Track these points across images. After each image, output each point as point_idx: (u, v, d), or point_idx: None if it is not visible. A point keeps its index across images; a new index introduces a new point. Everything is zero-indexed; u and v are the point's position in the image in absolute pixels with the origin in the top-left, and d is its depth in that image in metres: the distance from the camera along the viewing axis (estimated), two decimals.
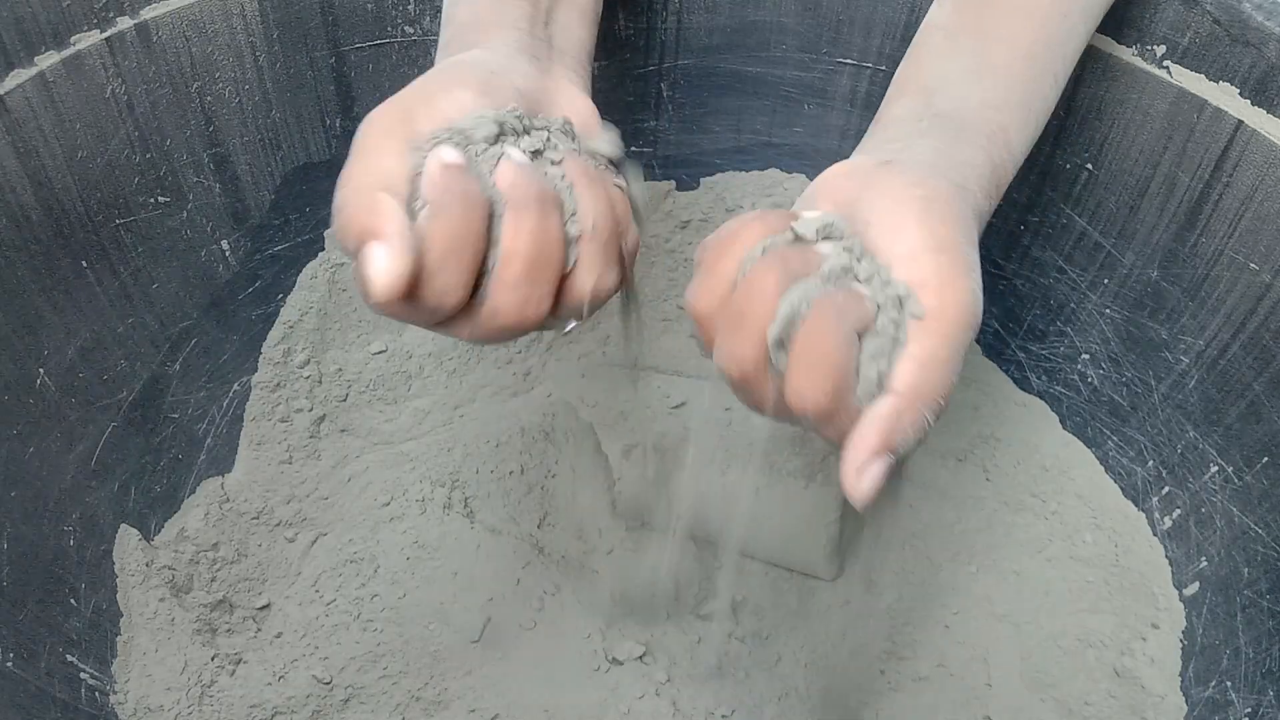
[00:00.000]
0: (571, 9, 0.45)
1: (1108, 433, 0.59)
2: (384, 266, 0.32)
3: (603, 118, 0.41)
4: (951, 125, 0.41)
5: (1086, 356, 0.59)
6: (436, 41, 0.58)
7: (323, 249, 0.61)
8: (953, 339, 0.35)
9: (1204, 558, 0.54)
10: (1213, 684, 0.51)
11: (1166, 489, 0.57)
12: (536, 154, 0.36)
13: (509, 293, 0.34)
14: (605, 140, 0.40)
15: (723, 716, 0.53)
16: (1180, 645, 0.54)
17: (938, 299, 0.34)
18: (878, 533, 0.59)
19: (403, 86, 0.59)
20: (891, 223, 0.36)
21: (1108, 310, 0.57)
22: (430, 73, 0.39)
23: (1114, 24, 0.51)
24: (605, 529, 0.58)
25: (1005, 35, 0.43)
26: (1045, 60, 0.44)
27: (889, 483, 0.35)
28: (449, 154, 0.34)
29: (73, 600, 0.49)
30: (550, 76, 0.41)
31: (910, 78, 0.44)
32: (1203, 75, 0.49)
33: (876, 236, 0.36)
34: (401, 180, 0.34)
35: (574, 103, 0.41)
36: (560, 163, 0.36)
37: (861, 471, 0.34)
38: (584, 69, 0.45)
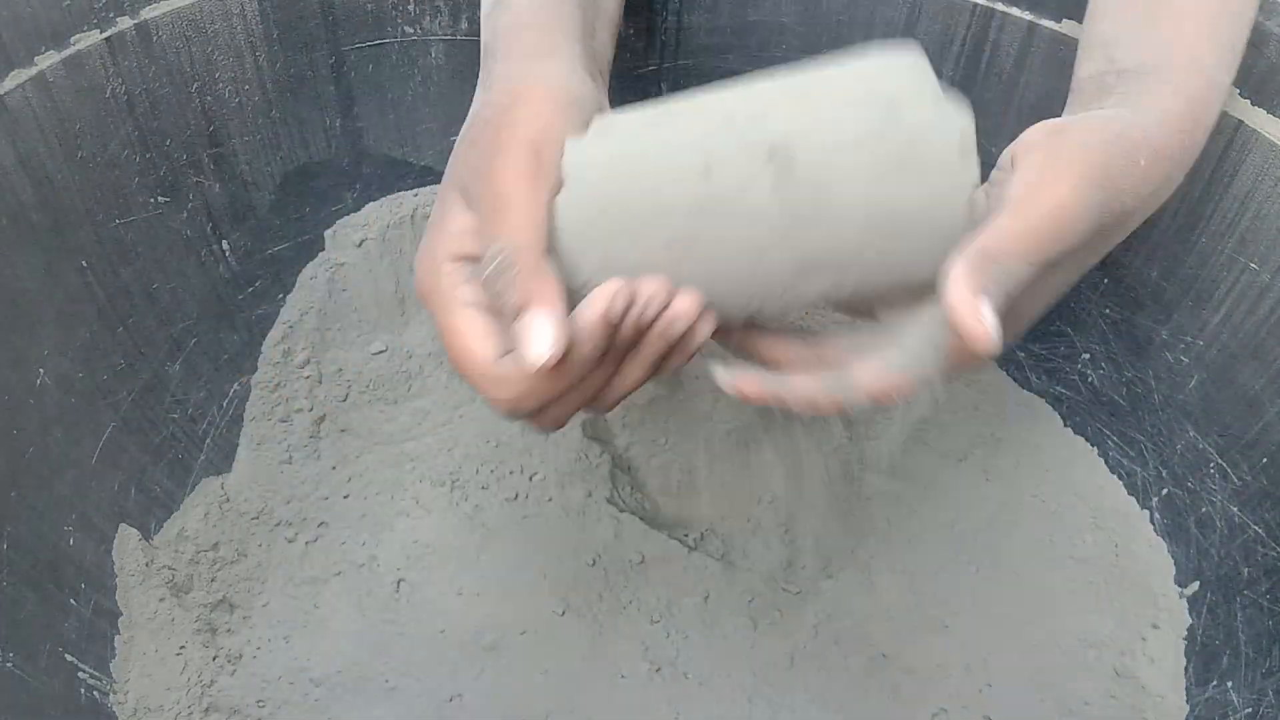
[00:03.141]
0: (605, 20, 0.46)
1: (1108, 433, 0.59)
2: (549, 336, 0.34)
3: None
4: (1133, 76, 0.41)
5: (1086, 356, 0.59)
6: (437, 41, 0.58)
7: (323, 249, 0.61)
8: (1027, 232, 0.35)
9: (1204, 558, 0.54)
10: (1213, 684, 0.51)
11: (1166, 489, 0.57)
12: None
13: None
14: None
15: None
16: (1180, 645, 0.54)
17: (1023, 193, 0.36)
18: (879, 531, 0.60)
19: (403, 86, 0.60)
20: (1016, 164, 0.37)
21: (1108, 310, 0.57)
22: (511, 96, 0.38)
23: None
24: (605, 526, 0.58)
25: None
26: None
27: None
28: (615, 306, 0.35)
29: (72, 600, 0.49)
30: (602, 96, 0.42)
31: (1091, 38, 0.45)
32: None
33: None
34: (540, 232, 0.36)
35: None
36: None
37: (974, 309, 0.34)
38: (607, 81, 0.46)
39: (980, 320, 0.34)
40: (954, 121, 0.36)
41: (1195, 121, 0.41)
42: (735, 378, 0.38)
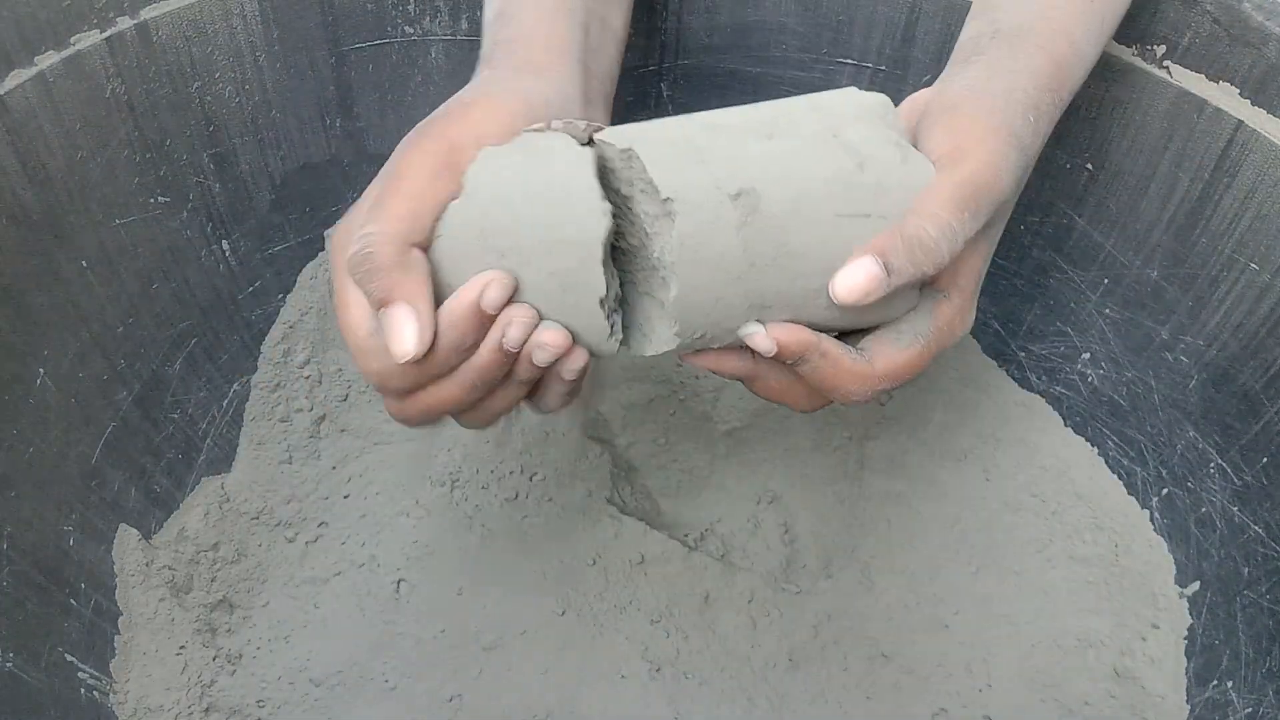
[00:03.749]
0: (611, 39, 0.46)
1: (1108, 433, 0.59)
2: (412, 333, 0.35)
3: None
4: (1007, 38, 0.43)
5: (1086, 356, 0.59)
6: (436, 41, 0.58)
7: (323, 249, 0.61)
8: (959, 187, 0.37)
9: (1204, 558, 0.54)
10: (1213, 684, 0.51)
11: (1166, 489, 0.57)
12: None
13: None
14: None
15: None
16: (1180, 645, 0.54)
17: (949, 154, 0.37)
18: (879, 531, 0.60)
19: (403, 86, 0.60)
20: (931, 135, 0.39)
21: (1108, 310, 0.57)
22: (479, 97, 0.39)
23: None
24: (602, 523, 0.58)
25: None
26: None
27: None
28: (488, 296, 0.36)
29: (72, 600, 0.49)
30: (596, 115, 0.42)
31: (978, 3, 0.46)
32: (1203, 75, 0.49)
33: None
34: (430, 223, 0.36)
35: None
36: None
37: (847, 267, 0.36)
38: (611, 101, 0.46)
39: (843, 275, 0.36)
40: (919, 175, 0.37)
41: (1060, 83, 0.43)
42: (771, 330, 0.37)
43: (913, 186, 0.37)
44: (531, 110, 0.38)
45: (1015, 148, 0.39)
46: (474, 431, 0.62)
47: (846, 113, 0.38)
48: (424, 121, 0.39)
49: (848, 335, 0.40)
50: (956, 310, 0.40)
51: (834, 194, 0.36)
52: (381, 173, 0.38)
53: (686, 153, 0.36)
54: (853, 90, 0.39)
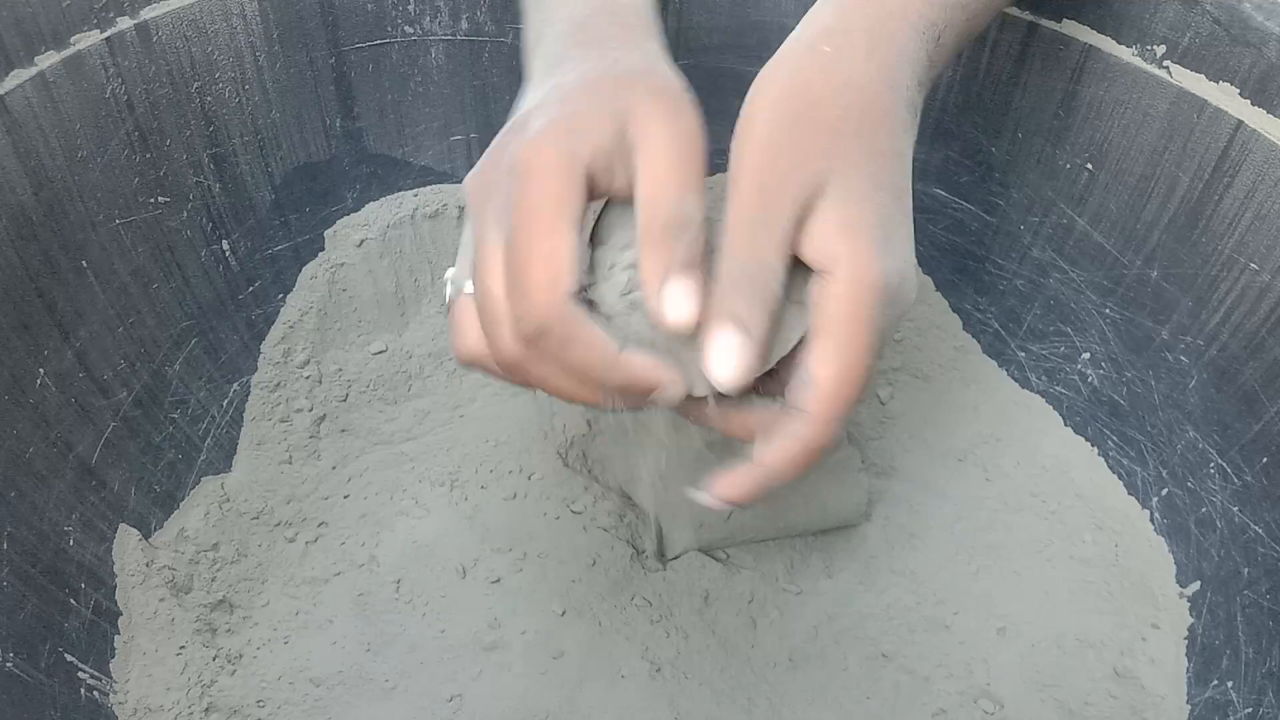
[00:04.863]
0: None
1: (1108, 433, 0.59)
2: (693, 305, 0.32)
3: None
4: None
5: (1086, 356, 0.59)
6: (436, 41, 0.58)
7: (323, 249, 0.61)
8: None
9: (1204, 558, 0.54)
10: (1213, 684, 0.51)
11: (1166, 489, 0.57)
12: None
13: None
14: None
15: None
16: (1180, 645, 0.54)
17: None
18: (879, 531, 0.60)
19: (403, 86, 0.60)
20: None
21: (1108, 310, 0.57)
22: (606, 87, 0.35)
23: (1114, 24, 0.51)
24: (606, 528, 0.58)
25: None
26: None
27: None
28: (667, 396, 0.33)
29: (72, 600, 0.49)
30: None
31: None
32: (1203, 75, 0.49)
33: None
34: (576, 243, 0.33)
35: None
36: None
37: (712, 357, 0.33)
38: None
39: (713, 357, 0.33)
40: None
41: (932, 72, 0.39)
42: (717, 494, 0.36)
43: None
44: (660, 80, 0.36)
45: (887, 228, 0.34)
46: (474, 431, 0.62)
47: None
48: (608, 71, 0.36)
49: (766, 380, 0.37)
50: (854, 275, 0.33)
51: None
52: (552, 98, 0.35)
53: None
54: None
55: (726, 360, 0.33)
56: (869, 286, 0.33)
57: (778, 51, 0.37)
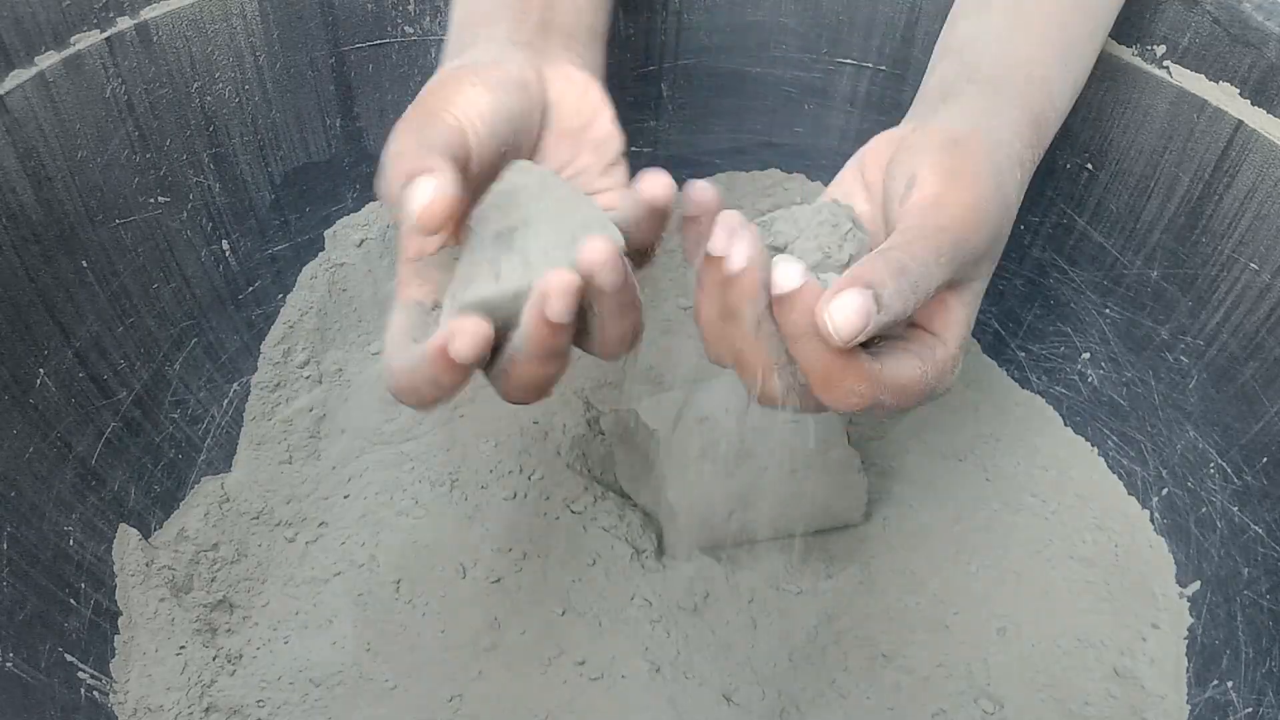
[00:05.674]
0: None
1: (1108, 433, 0.59)
2: (430, 191, 0.33)
3: None
4: (987, 85, 0.42)
5: (1086, 356, 0.59)
6: (437, 41, 0.58)
7: (323, 249, 0.61)
8: (938, 232, 0.35)
9: (1204, 558, 0.54)
10: (1213, 684, 0.51)
11: (1166, 489, 0.57)
12: None
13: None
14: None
15: None
16: (1180, 645, 0.54)
17: (933, 198, 0.36)
18: (879, 531, 0.60)
19: (403, 86, 0.60)
20: (915, 175, 0.38)
21: (1108, 310, 0.57)
22: (437, 78, 0.40)
23: (1114, 24, 0.51)
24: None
25: None
26: (1081, 11, 0.45)
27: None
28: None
29: (72, 600, 0.49)
30: (546, 59, 0.42)
31: (947, 43, 0.45)
32: (1203, 75, 0.49)
33: (899, 190, 0.38)
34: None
35: (571, 79, 0.41)
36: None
37: (833, 297, 0.32)
38: (589, 47, 0.45)
39: (831, 307, 0.32)
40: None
41: (1039, 139, 0.42)
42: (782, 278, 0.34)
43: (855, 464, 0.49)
44: (468, 68, 0.40)
45: (999, 202, 0.37)
46: (473, 431, 0.62)
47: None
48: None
49: None
50: (949, 358, 0.38)
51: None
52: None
53: None
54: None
55: (849, 309, 0.32)
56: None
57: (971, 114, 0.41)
